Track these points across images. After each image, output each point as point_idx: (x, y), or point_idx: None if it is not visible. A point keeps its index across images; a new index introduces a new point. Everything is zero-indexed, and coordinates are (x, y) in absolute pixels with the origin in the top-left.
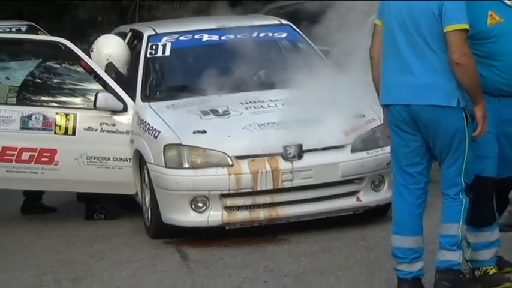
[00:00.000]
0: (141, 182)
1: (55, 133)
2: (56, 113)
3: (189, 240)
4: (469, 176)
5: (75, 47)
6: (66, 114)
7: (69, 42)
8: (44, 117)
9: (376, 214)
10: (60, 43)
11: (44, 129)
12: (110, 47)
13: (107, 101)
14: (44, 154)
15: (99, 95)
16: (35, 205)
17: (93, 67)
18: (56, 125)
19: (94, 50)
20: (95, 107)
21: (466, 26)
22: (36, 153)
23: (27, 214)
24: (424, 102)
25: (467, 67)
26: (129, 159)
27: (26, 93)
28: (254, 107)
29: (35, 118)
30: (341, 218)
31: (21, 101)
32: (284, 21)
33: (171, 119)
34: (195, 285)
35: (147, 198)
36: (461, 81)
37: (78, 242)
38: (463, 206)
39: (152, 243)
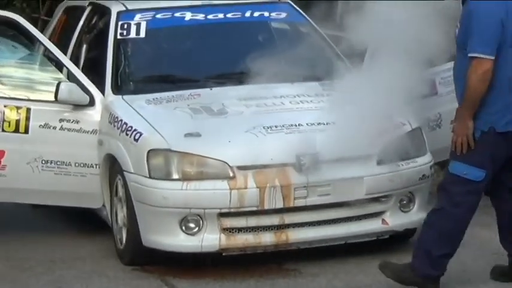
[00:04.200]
0: (111, 195)
1: (3, 130)
2: (5, 106)
3: (176, 268)
4: None
5: (32, 27)
6: (18, 108)
7: (23, 19)
8: None
9: (401, 239)
10: (14, 20)
11: None
12: None
13: (71, 92)
14: None
15: (62, 85)
16: None
17: (52, 51)
18: (4, 120)
19: None
20: (56, 100)
21: None
22: None
23: None
24: None
25: None
26: (96, 165)
27: None
28: (256, 105)
29: None
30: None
31: None
32: None
33: (154, 118)
34: None
35: (121, 215)
36: None
37: (35, 268)
38: None
39: (128, 271)
